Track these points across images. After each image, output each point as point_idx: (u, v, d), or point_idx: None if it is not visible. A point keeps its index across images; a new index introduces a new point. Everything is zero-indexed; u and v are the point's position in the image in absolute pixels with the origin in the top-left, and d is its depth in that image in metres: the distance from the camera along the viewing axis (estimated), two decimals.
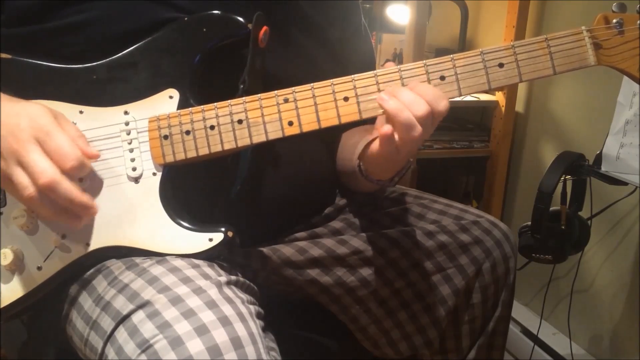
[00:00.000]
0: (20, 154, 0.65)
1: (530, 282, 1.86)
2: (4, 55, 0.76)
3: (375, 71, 0.74)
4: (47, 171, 0.64)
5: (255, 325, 0.65)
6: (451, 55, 0.73)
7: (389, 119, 0.71)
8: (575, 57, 0.72)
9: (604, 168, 1.19)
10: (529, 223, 1.25)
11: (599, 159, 1.20)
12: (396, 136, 0.71)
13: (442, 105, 0.71)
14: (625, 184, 1.19)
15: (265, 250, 0.87)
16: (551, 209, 1.25)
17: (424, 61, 0.73)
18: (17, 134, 0.66)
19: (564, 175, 1.23)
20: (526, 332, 1.81)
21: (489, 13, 2.07)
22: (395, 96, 0.71)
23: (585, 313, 1.69)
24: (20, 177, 0.65)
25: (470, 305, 0.96)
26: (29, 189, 0.65)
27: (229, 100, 0.74)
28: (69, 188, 0.66)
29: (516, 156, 1.97)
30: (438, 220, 0.96)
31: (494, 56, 0.72)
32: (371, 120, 0.77)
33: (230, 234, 0.74)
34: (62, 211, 0.67)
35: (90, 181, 0.74)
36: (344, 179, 0.99)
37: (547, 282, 1.65)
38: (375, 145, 0.77)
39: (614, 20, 0.72)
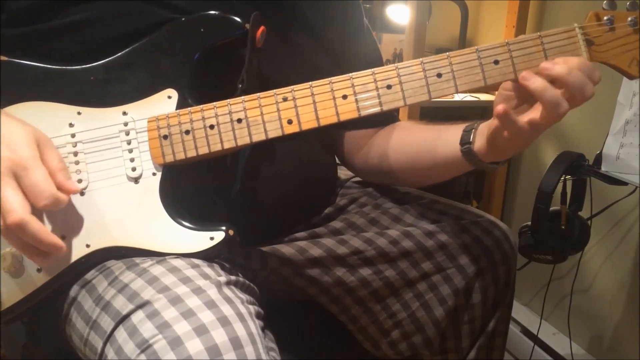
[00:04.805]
0: None
1: (530, 282, 1.86)
2: (1, 58, 0.76)
3: (372, 69, 0.74)
4: (16, 211, 0.63)
5: (254, 326, 0.65)
6: (447, 53, 0.74)
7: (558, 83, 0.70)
8: (569, 54, 0.73)
9: (604, 168, 1.19)
10: (529, 223, 1.25)
11: (599, 159, 1.20)
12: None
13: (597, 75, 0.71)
14: (625, 184, 1.19)
15: (265, 250, 0.87)
16: (551, 209, 1.24)
17: (421, 59, 0.74)
18: None
19: (564, 175, 1.22)
20: (526, 332, 1.80)
21: (489, 13, 2.07)
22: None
23: (585, 313, 1.68)
24: None
25: (470, 306, 0.95)
26: None
27: (228, 100, 0.75)
28: (37, 229, 0.64)
29: (516, 156, 1.97)
30: (438, 220, 0.96)
31: (489, 53, 0.73)
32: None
33: (231, 232, 0.74)
34: (29, 247, 0.66)
35: (90, 182, 0.74)
36: (413, 176, 0.97)
37: (547, 282, 1.65)
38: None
39: (605, 18, 0.73)
